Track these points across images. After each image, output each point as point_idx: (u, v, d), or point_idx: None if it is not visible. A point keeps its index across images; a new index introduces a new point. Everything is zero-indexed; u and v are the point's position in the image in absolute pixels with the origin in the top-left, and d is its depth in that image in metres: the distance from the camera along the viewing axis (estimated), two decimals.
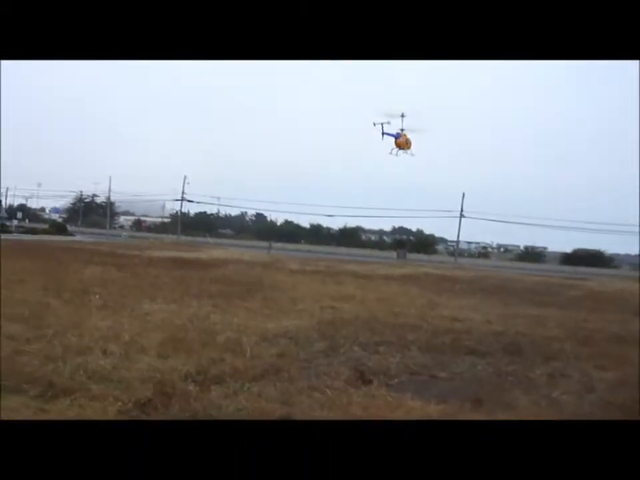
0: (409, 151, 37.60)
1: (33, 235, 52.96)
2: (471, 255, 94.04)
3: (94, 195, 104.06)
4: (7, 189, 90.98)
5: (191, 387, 6.16)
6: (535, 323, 13.20)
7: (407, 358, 8.40)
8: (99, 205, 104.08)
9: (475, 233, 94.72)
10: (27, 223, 72.16)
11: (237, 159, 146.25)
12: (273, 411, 5.52)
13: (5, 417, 4.79)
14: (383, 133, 36.17)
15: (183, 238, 74.81)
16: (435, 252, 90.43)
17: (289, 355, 8.10)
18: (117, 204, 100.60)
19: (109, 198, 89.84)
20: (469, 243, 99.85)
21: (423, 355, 8.74)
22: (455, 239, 78.01)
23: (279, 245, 67.33)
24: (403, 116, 36.11)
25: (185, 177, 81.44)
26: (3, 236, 39.58)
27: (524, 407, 6.26)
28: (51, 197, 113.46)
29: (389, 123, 35.90)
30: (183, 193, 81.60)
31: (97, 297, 12.31)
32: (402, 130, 36.73)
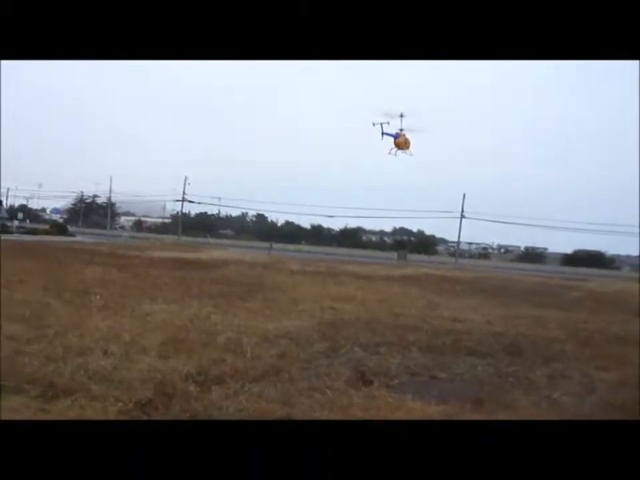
0: (407, 151, 37.51)
1: (34, 236, 52.94)
2: (471, 255, 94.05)
3: (94, 196, 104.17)
4: (8, 189, 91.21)
5: (192, 388, 6.16)
6: (535, 323, 13.19)
7: (408, 359, 8.39)
8: (100, 206, 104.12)
9: (476, 233, 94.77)
10: (27, 224, 72.17)
11: (238, 159, 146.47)
12: (274, 411, 5.51)
13: (5, 417, 4.79)
14: (382, 133, 36.15)
15: (184, 238, 74.82)
16: (435, 253, 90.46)
17: (290, 356, 8.09)
18: (117, 204, 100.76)
19: (109, 198, 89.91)
20: (470, 243, 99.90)
21: (424, 355, 8.73)
22: (456, 239, 78.14)
23: (280, 245, 67.32)
24: (402, 116, 36.04)
25: (186, 178, 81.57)
26: (4, 236, 39.65)
27: (524, 408, 6.25)
28: (52, 198, 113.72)
29: (388, 123, 35.86)
30: (183, 193, 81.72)
31: (98, 297, 12.32)
32: (401, 130, 36.67)
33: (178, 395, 5.81)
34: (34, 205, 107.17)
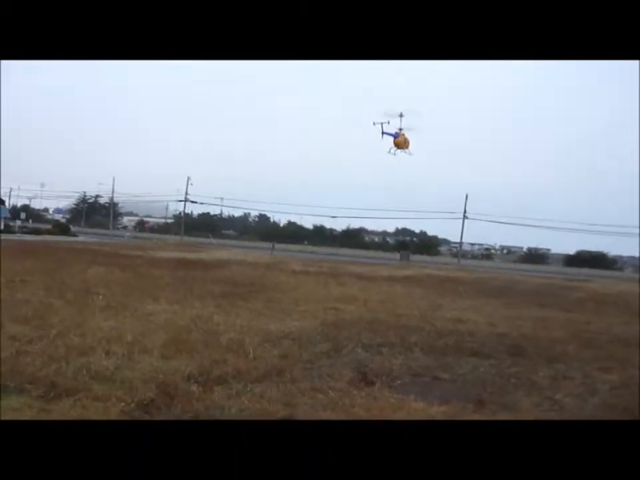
0: (407, 150, 37.58)
1: (36, 235, 53.08)
2: (474, 256, 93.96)
3: (97, 196, 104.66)
4: (11, 189, 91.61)
5: (194, 388, 6.16)
6: (538, 324, 13.16)
7: (410, 359, 8.38)
8: (102, 206, 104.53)
9: (478, 234, 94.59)
10: (30, 224, 72.23)
11: (240, 160, 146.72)
12: (276, 412, 5.51)
13: (7, 417, 4.80)
14: (382, 133, 36.22)
15: (186, 239, 74.94)
16: (438, 253, 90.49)
17: (292, 356, 8.09)
18: (120, 205, 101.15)
19: (112, 198, 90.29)
20: (472, 244, 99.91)
21: (426, 356, 8.71)
22: (458, 240, 78.11)
23: (282, 246, 67.27)
24: (401, 115, 36.11)
25: (189, 178, 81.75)
26: (7, 236, 39.75)
27: (527, 409, 6.23)
28: (55, 198, 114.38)
29: (388, 122, 35.93)
30: (186, 193, 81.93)
31: (100, 297, 12.33)
32: (400, 129, 36.72)
33: (180, 395, 5.81)
34: (36, 204, 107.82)
